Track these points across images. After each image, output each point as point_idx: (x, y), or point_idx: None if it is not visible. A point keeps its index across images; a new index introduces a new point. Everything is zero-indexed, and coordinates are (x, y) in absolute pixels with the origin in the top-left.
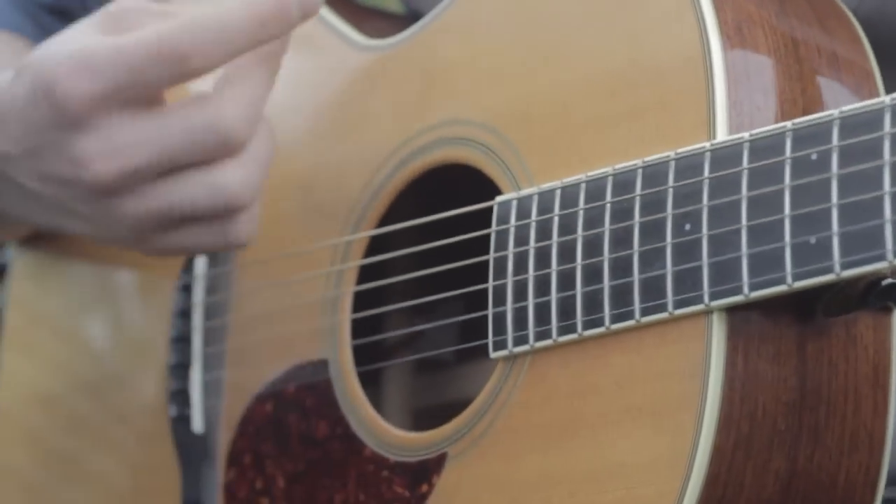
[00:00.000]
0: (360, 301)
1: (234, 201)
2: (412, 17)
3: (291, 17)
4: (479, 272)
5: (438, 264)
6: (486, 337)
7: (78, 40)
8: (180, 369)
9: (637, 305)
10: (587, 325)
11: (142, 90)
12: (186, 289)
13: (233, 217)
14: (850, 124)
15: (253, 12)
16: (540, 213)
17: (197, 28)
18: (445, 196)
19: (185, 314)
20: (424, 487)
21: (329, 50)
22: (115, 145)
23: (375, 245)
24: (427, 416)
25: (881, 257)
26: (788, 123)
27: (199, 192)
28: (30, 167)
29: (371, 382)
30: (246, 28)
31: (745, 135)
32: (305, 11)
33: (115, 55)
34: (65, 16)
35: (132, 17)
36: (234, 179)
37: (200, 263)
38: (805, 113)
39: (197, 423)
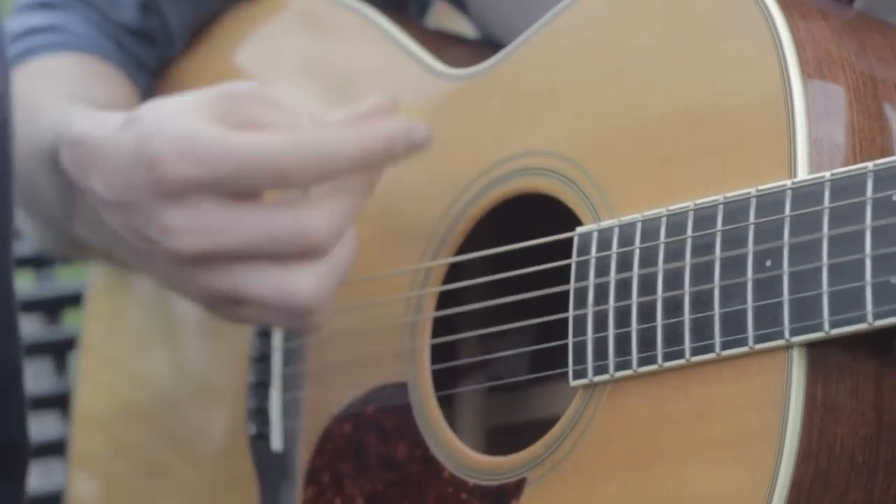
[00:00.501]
0: (437, 326)
1: (303, 306)
2: (490, 43)
3: (398, 152)
4: (551, 299)
5: (513, 291)
6: (560, 360)
7: (189, 121)
8: (260, 388)
9: (717, 339)
10: (667, 357)
11: (239, 187)
12: None
13: (300, 315)
14: None
15: (363, 147)
16: (621, 244)
17: (306, 151)
18: (521, 225)
19: (265, 334)
20: None
21: (410, 77)
22: (203, 226)
23: (453, 271)
24: (499, 436)
25: None
26: (870, 164)
27: (269, 289)
28: (121, 216)
29: (444, 402)
30: (352, 159)
31: (827, 174)
32: (412, 146)
33: (222, 152)
34: (148, 40)
35: (247, 110)
36: (307, 286)
37: None
38: (884, 152)
39: (276, 442)
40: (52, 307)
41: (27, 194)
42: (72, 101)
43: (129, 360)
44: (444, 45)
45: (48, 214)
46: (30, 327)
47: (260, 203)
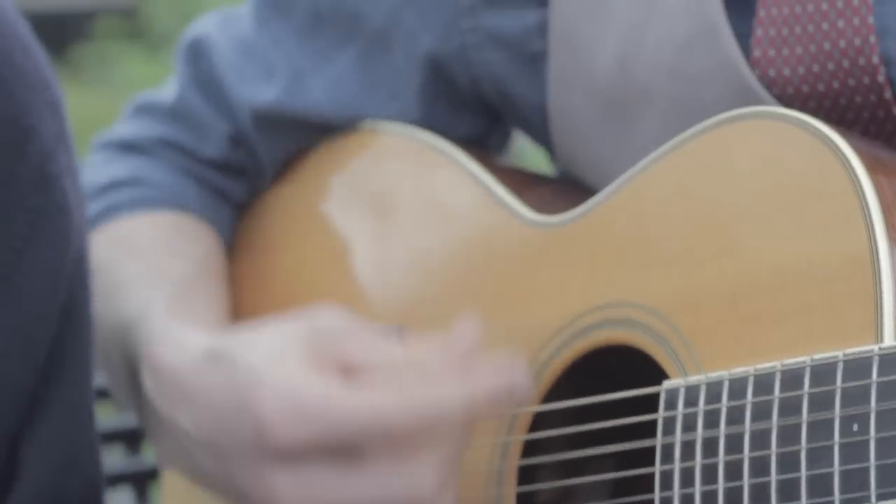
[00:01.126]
0: (521, 472)
1: None
2: (575, 183)
3: (502, 409)
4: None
5: (597, 440)
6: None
7: (291, 372)
8: None
9: (804, 501)
10: None
11: (347, 450)
12: None
13: None
14: None
15: (470, 406)
16: (708, 401)
17: (416, 413)
18: (606, 376)
19: None
20: None
21: (496, 222)
22: (309, 489)
23: (539, 419)
24: None
25: None
26: None
27: None
28: (213, 458)
29: None
30: (458, 421)
31: None
32: (516, 403)
33: (332, 416)
34: (236, 173)
35: (345, 351)
36: None
37: None
38: None
39: None
40: (134, 438)
41: (100, 359)
42: (150, 296)
43: (209, 498)
44: (530, 187)
45: (118, 387)
46: (111, 458)
47: (367, 464)
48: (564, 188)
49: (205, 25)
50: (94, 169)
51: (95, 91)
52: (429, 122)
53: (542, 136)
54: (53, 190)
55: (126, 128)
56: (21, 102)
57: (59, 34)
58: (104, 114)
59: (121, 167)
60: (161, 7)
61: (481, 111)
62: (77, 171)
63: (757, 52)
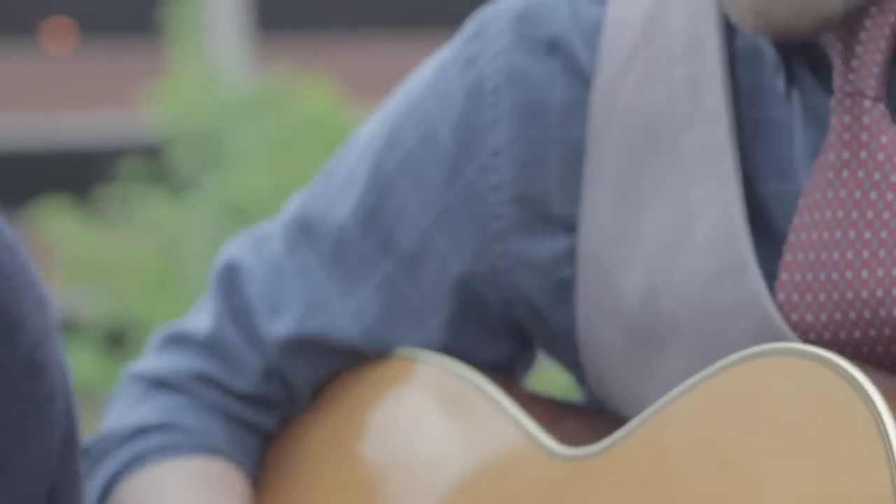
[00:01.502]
0: None
1: None
2: (601, 410)
3: None
4: None
5: None
6: None
7: None
8: None
9: None
10: None
11: None
12: None
13: None
14: None
15: None
16: None
17: None
18: None
19: None
20: None
21: (522, 455)
22: None
23: None
24: None
25: None
26: None
27: None
28: None
29: None
30: None
31: None
32: None
33: None
34: (269, 405)
35: None
36: None
37: None
38: None
39: None
40: None
41: None
42: None
43: None
44: (557, 417)
45: None
46: None
47: None
48: (591, 418)
49: (238, 248)
50: (123, 407)
51: (118, 232)
52: (456, 347)
53: (572, 359)
54: (42, 377)
55: (158, 361)
56: (8, 298)
57: (83, 174)
58: (126, 254)
59: (151, 409)
60: (184, 149)
61: (509, 337)
62: (64, 359)
63: (781, 296)
